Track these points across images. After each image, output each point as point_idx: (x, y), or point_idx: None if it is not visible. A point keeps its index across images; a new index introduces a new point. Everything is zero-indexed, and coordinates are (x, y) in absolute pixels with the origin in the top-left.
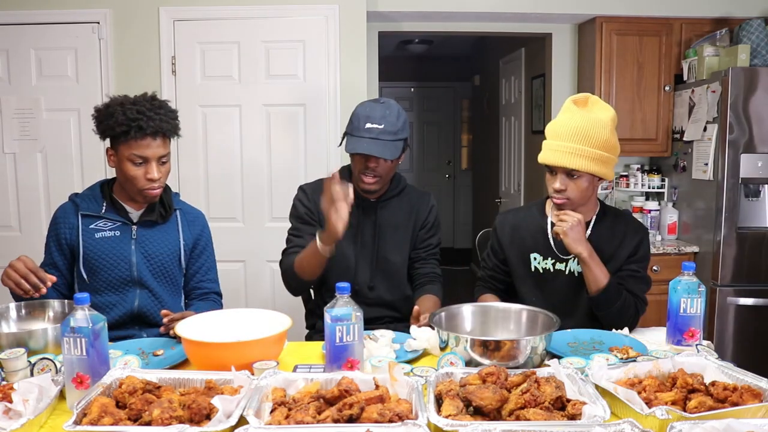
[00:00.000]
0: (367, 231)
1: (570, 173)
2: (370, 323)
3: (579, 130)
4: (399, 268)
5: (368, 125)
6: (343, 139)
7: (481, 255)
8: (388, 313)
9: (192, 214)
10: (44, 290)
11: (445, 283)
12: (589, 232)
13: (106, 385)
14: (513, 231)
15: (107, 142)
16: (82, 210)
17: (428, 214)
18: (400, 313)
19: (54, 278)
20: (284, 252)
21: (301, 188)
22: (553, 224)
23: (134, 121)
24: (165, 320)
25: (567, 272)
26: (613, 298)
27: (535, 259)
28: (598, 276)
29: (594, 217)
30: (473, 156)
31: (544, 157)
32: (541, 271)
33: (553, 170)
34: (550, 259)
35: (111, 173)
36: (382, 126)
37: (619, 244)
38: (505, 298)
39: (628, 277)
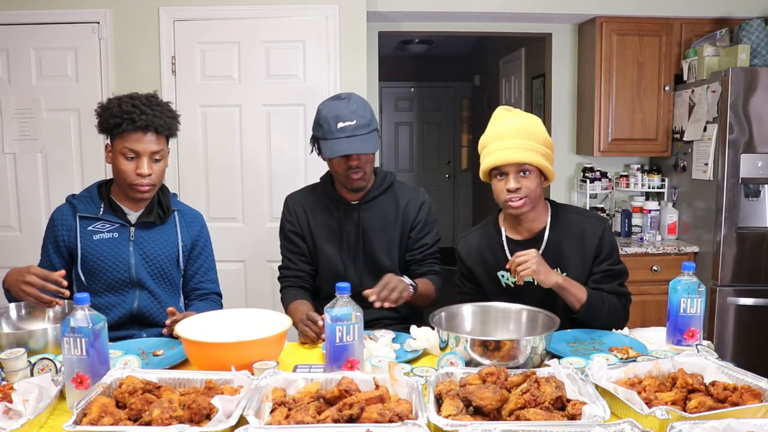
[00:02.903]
0: (351, 234)
1: (522, 170)
2: (369, 325)
3: (522, 128)
4: (391, 270)
5: (340, 125)
6: (313, 146)
7: None
8: (387, 313)
9: (190, 215)
10: (67, 293)
11: (444, 283)
12: (546, 235)
13: (106, 385)
14: (476, 254)
15: (108, 140)
16: (80, 212)
17: (417, 212)
18: (399, 314)
19: (63, 272)
20: (279, 279)
21: (285, 201)
22: (508, 270)
23: (127, 114)
24: (168, 321)
25: (536, 283)
26: (597, 306)
27: (503, 276)
28: (578, 293)
29: (548, 219)
30: (473, 156)
31: (493, 160)
32: (512, 285)
33: (502, 173)
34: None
35: (110, 173)
36: (354, 122)
37: (580, 241)
38: None
39: (602, 279)
